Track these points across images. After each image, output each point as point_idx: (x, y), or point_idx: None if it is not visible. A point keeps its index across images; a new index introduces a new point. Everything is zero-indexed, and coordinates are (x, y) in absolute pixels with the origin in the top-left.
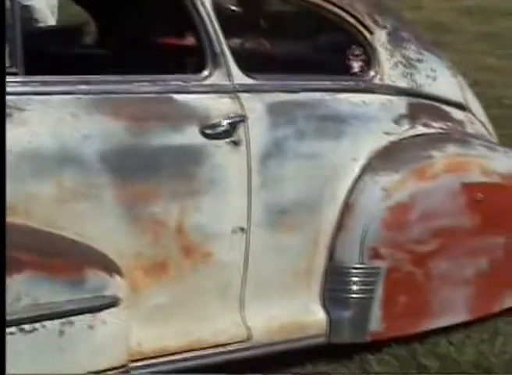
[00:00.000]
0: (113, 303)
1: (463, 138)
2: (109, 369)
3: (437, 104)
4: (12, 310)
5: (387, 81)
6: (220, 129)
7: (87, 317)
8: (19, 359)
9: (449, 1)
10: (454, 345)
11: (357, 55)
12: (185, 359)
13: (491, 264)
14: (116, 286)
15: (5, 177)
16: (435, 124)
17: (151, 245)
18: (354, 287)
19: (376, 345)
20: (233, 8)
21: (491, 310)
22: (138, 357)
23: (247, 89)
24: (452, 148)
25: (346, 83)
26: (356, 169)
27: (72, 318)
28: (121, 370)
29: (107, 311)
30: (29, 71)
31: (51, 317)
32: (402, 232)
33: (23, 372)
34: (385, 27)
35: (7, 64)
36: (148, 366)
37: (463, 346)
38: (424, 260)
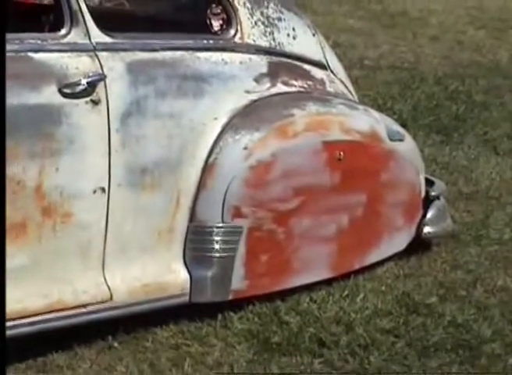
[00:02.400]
0: None
1: (323, 97)
2: None
3: (298, 63)
4: None
5: (247, 40)
6: (79, 88)
7: None
8: None
9: None
10: (316, 302)
11: (216, 14)
12: (46, 320)
13: (352, 222)
14: None
15: (4, 177)
16: (295, 83)
17: (9, 206)
18: (216, 246)
19: (238, 303)
20: None
21: (352, 267)
22: None
23: (106, 48)
24: (312, 107)
25: (206, 41)
26: (217, 128)
27: None
28: None
29: None
30: None
31: None
32: (263, 191)
33: None
34: None
35: None
36: (8, 328)
37: (324, 303)
38: (286, 218)
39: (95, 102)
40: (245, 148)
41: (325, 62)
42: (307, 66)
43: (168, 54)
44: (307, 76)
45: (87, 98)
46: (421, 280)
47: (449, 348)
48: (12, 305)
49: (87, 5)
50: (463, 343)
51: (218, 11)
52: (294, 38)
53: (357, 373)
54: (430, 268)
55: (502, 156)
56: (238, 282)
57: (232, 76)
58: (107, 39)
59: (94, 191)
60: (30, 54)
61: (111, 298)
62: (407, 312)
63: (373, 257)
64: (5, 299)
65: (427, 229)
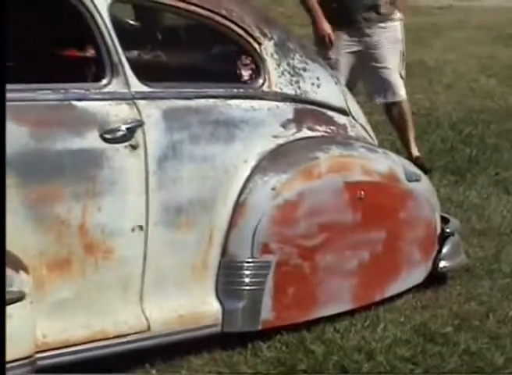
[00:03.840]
0: (19, 298)
1: (345, 141)
2: (16, 360)
3: (321, 109)
4: None
5: (275, 88)
6: (119, 134)
7: None
8: None
9: None
10: (339, 332)
11: (246, 64)
12: (88, 349)
13: (372, 257)
14: (22, 282)
15: (4, 178)
16: (319, 128)
17: (55, 243)
18: (246, 280)
19: (267, 333)
20: (131, 21)
21: (373, 299)
22: (44, 348)
23: (144, 96)
24: (335, 150)
25: (236, 90)
26: (247, 171)
27: None
28: (27, 361)
29: (13, 305)
30: None
31: None
32: (290, 228)
33: None
34: (272, 38)
35: None
36: (53, 356)
37: (347, 332)
38: (311, 253)
39: (134, 147)
40: (273, 189)
41: (346, 108)
42: (330, 112)
43: (202, 101)
44: (330, 121)
45: (127, 143)
46: (438, 311)
47: (464, 374)
48: (56, 335)
49: (126, 57)
50: (477, 370)
51: (248, 62)
52: (318, 87)
53: None
54: (445, 300)
55: None
56: (267, 313)
57: (261, 122)
58: (145, 88)
59: (133, 229)
60: (74, 102)
61: (149, 328)
62: (424, 341)
63: (392, 289)
64: (5, 299)
65: (442, 263)
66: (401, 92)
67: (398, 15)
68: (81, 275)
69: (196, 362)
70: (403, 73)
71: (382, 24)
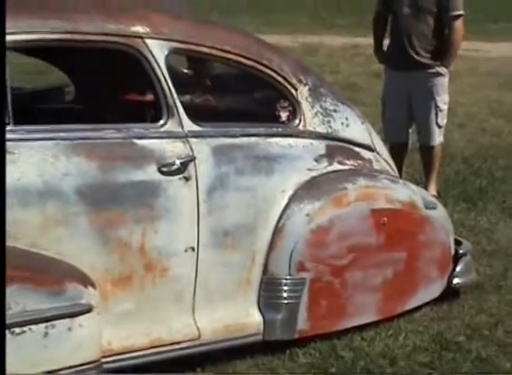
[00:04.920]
0: (87, 310)
1: (371, 173)
2: (85, 364)
3: (349, 146)
4: None
5: (309, 127)
6: (173, 167)
7: (66, 321)
8: (9, 358)
9: (362, 66)
10: (366, 340)
11: (284, 107)
12: (146, 355)
13: (394, 274)
14: (90, 295)
15: (4, 179)
16: (348, 162)
17: (118, 262)
18: (284, 295)
19: (303, 341)
20: (184, 70)
21: (395, 312)
22: (108, 354)
23: (196, 135)
24: (362, 181)
25: (276, 129)
26: (284, 199)
27: (54, 322)
28: (94, 365)
29: (82, 316)
30: (17, 121)
31: (36, 322)
32: (322, 249)
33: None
34: (306, 84)
35: None
36: (117, 361)
37: (373, 341)
38: (341, 272)
39: (187, 179)
40: (307, 215)
41: (372, 145)
42: (357, 149)
43: (245, 139)
44: (357, 156)
45: (180, 176)
46: (452, 322)
47: None
48: (119, 342)
49: (180, 101)
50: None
51: (286, 104)
52: (347, 126)
53: None
54: (459, 312)
55: None
56: (302, 323)
57: (297, 157)
58: (196, 128)
59: (186, 250)
60: (135, 140)
61: (199, 336)
62: (440, 348)
63: (412, 303)
64: (5, 300)
65: (456, 280)
66: (435, 138)
67: (438, 68)
68: (141, 290)
69: (240, 366)
70: (439, 121)
71: (420, 73)
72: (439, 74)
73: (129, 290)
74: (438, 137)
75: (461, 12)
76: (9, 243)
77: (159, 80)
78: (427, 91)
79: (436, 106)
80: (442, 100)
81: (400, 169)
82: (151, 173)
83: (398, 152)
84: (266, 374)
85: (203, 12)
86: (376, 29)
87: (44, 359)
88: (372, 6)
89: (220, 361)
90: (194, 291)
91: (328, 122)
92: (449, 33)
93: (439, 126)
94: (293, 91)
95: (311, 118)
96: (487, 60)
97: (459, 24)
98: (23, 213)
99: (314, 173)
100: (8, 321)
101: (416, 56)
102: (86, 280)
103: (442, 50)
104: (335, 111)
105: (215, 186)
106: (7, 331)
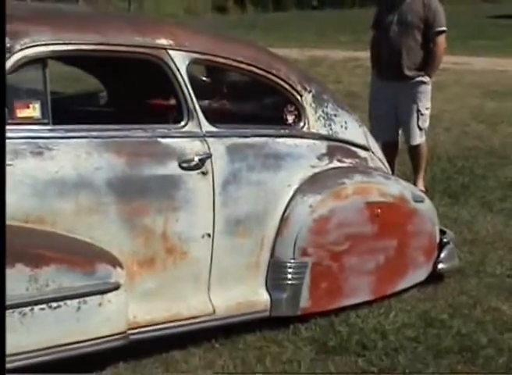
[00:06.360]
0: (116, 287)
1: (366, 170)
2: (113, 335)
3: (348, 146)
4: (41, 292)
5: (312, 129)
6: (192, 163)
7: (97, 297)
8: (47, 329)
9: (360, 77)
10: (360, 317)
11: (291, 111)
12: (167, 328)
13: (386, 259)
14: (118, 275)
15: (5, 179)
16: (346, 160)
17: (143, 246)
18: (289, 276)
19: (305, 317)
20: (203, 78)
21: (386, 292)
22: (134, 326)
23: (212, 135)
24: (358, 177)
25: (283, 130)
26: (290, 192)
27: (86, 298)
28: (121, 335)
29: (111, 293)
30: (56, 122)
31: (71, 297)
32: (323, 237)
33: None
34: (310, 91)
35: (39, 116)
36: (141, 332)
37: (366, 318)
38: (339, 256)
39: (204, 173)
40: (310, 206)
41: (367, 145)
42: (354, 148)
43: (256, 139)
44: (354, 155)
45: (199, 171)
46: (436, 302)
47: (456, 351)
48: (143, 316)
49: (199, 105)
50: (466, 348)
51: (292, 109)
52: (346, 128)
53: (389, 369)
54: (442, 293)
55: (495, 213)
56: (304, 302)
57: (301, 156)
58: (213, 129)
59: (203, 236)
60: (159, 139)
61: (214, 312)
62: (425, 325)
63: (401, 285)
64: (5, 300)
65: (440, 265)
66: (417, 138)
67: (422, 77)
68: (163, 271)
69: (249, 338)
70: (420, 124)
71: (407, 82)
72: (422, 83)
73: (153, 270)
74: (419, 138)
75: (444, 28)
76: (48, 228)
77: (181, 87)
78: (411, 97)
79: (418, 110)
80: (424, 105)
81: (391, 167)
82: (172, 168)
83: (389, 151)
84: (272, 346)
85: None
86: (373, 50)
87: (77, 330)
88: (369, 26)
89: (232, 334)
90: (210, 272)
91: (330, 125)
92: (433, 47)
93: (420, 129)
94: (299, 97)
95: (314, 121)
96: (470, 72)
97: (442, 39)
98: (60, 202)
99: (316, 170)
100: (46, 296)
101: (404, 69)
102: (114, 262)
103: (427, 61)
104: (335, 115)
105: (229, 180)
106: (46, 306)
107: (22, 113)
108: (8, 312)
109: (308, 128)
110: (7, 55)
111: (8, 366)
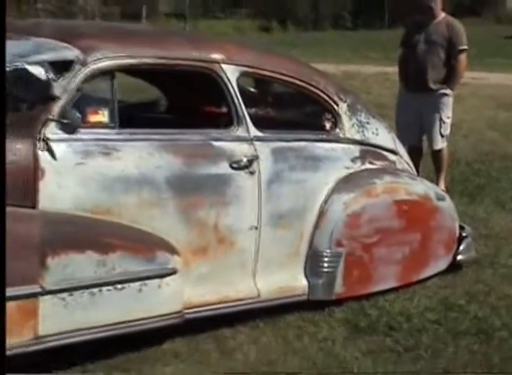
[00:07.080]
0: (173, 272)
1: (394, 172)
2: (170, 314)
3: (378, 150)
4: (108, 275)
5: (347, 135)
6: (241, 164)
7: (157, 281)
8: (113, 307)
9: (389, 89)
10: (388, 301)
11: (328, 119)
12: (218, 308)
13: (411, 251)
14: (175, 261)
15: (5, 180)
16: (377, 162)
17: (197, 236)
18: (325, 264)
19: (339, 301)
20: (251, 89)
21: (412, 280)
22: (188, 307)
23: (259, 139)
24: (387, 178)
25: (321, 136)
26: (326, 190)
27: (147, 281)
28: (178, 314)
29: (169, 277)
30: (122, 126)
31: (134, 280)
32: (356, 230)
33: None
34: (346, 101)
35: (108, 121)
36: (195, 312)
37: (393, 302)
38: (369, 248)
39: (251, 173)
40: (344, 203)
41: (395, 149)
42: (384, 152)
43: (297, 143)
44: (384, 158)
45: (247, 170)
46: (455, 289)
47: (473, 333)
48: (197, 298)
49: (247, 112)
50: (482, 330)
51: (329, 117)
52: (377, 135)
53: (413, 348)
54: (461, 282)
55: (508, 212)
56: (339, 287)
57: (337, 158)
58: (259, 133)
59: (250, 228)
60: (212, 142)
61: (258, 295)
62: (445, 309)
63: (424, 274)
64: (5, 300)
65: (459, 257)
66: (439, 144)
67: (445, 90)
68: (214, 258)
69: (290, 318)
70: (442, 131)
71: (431, 95)
72: (445, 95)
73: (205, 258)
74: (441, 143)
75: (466, 47)
76: (115, 220)
77: (231, 96)
78: (434, 107)
79: (440, 119)
80: (446, 115)
81: (416, 169)
82: (223, 167)
83: (414, 155)
84: (309, 325)
85: (271, 47)
86: (401, 66)
87: (138, 309)
88: (397, 44)
89: (274, 315)
90: (255, 260)
91: (362, 131)
92: (455, 64)
93: (442, 135)
94: (335, 107)
95: (348, 128)
96: (486, 87)
97: (463, 57)
98: (125, 197)
99: (350, 171)
100: (112, 279)
101: (429, 83)
102: (172, 250)
103: (449, 76)
104: (367, 123)
105: (273, 179)
106: (112, 287)
107: (93, 118)
108: (79, 293)
109: (343, 134)
110: (81, 68)
111: (78, 339)
